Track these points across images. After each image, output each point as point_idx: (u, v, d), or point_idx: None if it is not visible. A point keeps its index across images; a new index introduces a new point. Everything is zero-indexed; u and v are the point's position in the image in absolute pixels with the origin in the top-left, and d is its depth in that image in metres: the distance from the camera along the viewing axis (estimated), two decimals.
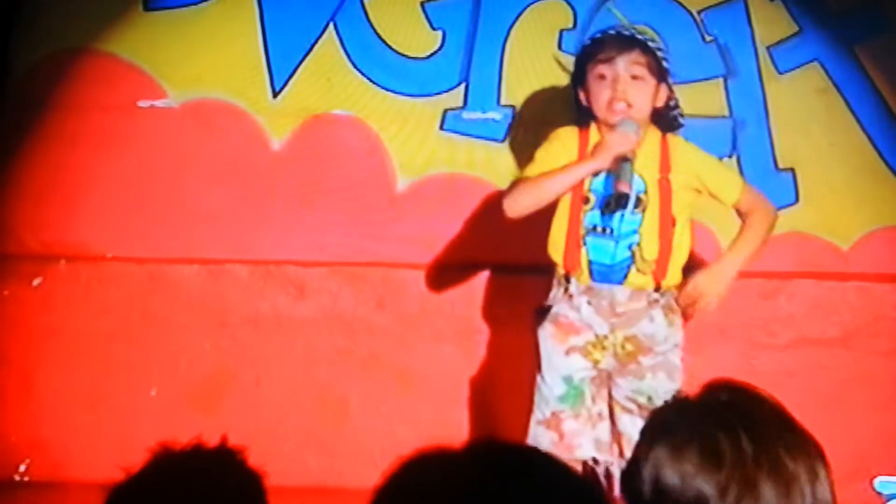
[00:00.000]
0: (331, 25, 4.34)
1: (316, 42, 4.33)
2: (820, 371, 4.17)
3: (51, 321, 4.26)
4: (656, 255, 3.28)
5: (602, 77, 3.29)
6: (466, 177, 4.31)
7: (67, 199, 4.32)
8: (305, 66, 4.33)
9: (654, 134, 3.34)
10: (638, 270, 3.28)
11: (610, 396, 3.29)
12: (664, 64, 3.35)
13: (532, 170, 3.33)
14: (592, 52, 3.33)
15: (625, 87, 3.26)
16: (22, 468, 4.22)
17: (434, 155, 4.31)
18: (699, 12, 4.28)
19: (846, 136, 4.21)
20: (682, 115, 3.41)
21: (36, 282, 4.29)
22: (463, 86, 4.32)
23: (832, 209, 4.23)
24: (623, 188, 3.22)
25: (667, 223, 3.28)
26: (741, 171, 4.24)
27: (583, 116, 3.37)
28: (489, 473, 1.31)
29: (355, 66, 4.34)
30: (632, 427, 3.22)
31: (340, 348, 4.23)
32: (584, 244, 3.29)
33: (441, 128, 4.31)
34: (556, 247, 3.33)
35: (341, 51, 4.34)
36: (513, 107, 4.30)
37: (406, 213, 4.30)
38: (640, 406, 3.25)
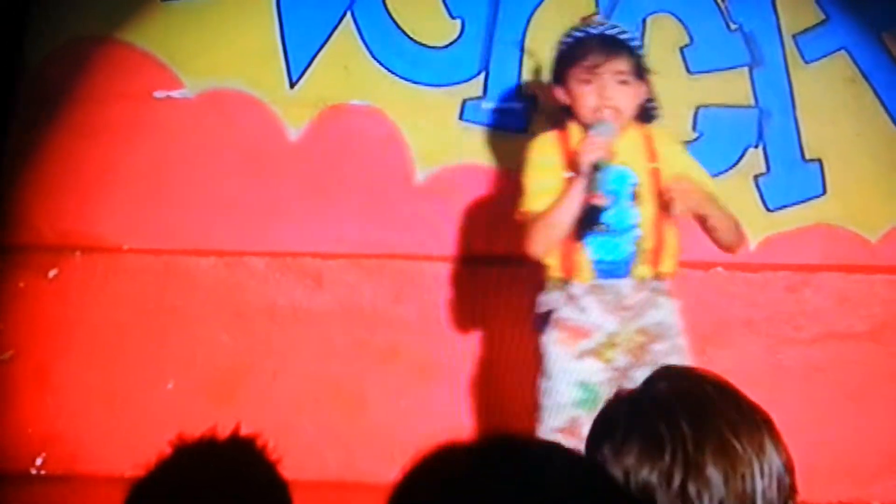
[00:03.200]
0: (348, 14, 4.29)
1: (333, 31, 4.30)
2: (847, 365, 4.11)
3: (66, 313, 4.24)
4: (653, 243, 3.28)
5: (587, 82, 3.26)
6: (486, 167, 4.27)
7: (83, 190, 4.30)
8: (322, 55, 4.30)
9: (635, 128, 3.33)
10: (641, 262, 3.28)
11: None
12: (643, 62, 3.35)
13: (530, 203, 3.30)
14: (576, 55, 3.30)
15: (612, 93, 3.25)
16: (38, 461, 4.20)
17: (453, 145, 4.27)
18: (724, 0, 4.21)
19: (874, 126, 4.15)
20: (656, 108, 3.41)
21: (52, 273, 4.26)
22: (483, 75, 4.27)
23: (860, 200, 4.18)
24: (595, 200, 3.18)
25: (661, 212, 3.27)
26: (767, 162, 4.18)
27: (559, 115, 3.34)
28: (507, 467, 1.29)
29: (373, 56, 4.30)
30: None
31: (358, 341, 4.20)
32: (585, 245, 3.26)
33: (460, 118, 4.27)
34: (551, 252, 3.30)
35: (359, 40, 4.30)
36: (533, 96, 4.24)
37: (425, 204, 4.26)
38: None
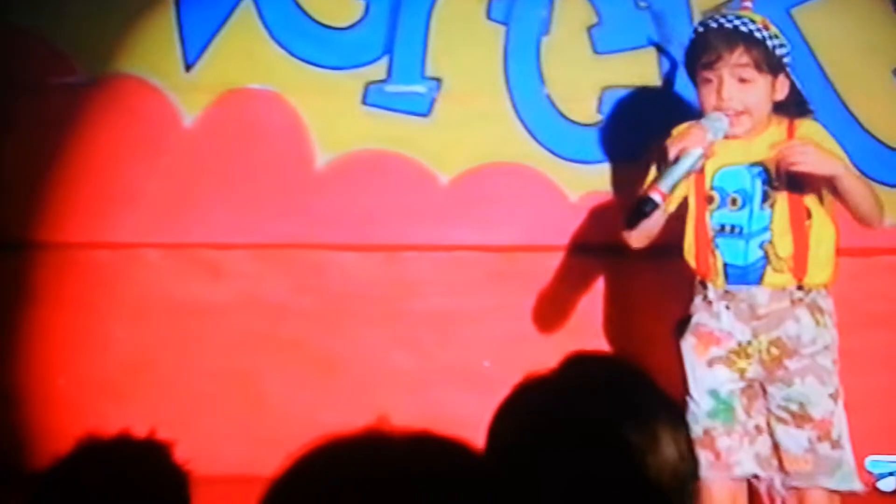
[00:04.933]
0: None
1: (232, 12, 4.16)
2: None
3: None
4: (791, 250, 3.10)
5: (708, 81, 3.11)
6: (390, 153, 4.15)
7: None
8: (221, 37, 4.16)
9: (779, 124, 3.16)
10: (774, 269, 3.10)
11: (767, 408, 3.12)
12: (779, 52, 3.15)
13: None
14: (697, 51, 3.15)
15: (731, 93, 3.08)
16: None
17: (356, 130, 4.16)
18: None
19: None
20: (807, 103, 3.23)
21: None
22: (386, 58, 4.16)
23: None
24: (650, 192, 3.00)
25: (799, 216, 3.10)
26: None
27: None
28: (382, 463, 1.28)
29: (273, 37, 4.17)
30: (787, 438, 3.09)
31: (259, 334, 4.09)
32: (716, 246, 3.12)
33: (363, 102, 4.15)
34: (690, 251, 3.17)
35: (259, 21, 4.17)
36: (438, 79, 4.14)
37: (327, 191, 4.15)
38: (793, 415, 3.09)
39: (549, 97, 4.12)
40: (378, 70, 4.16)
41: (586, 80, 4.08)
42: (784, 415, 3.08)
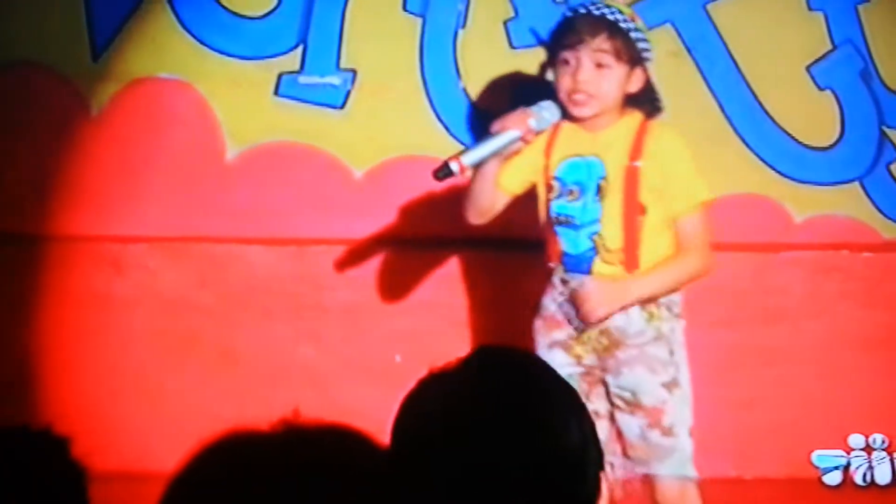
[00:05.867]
0: None
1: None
2: None
3: None
4: (621, 244, 3.09)
5: (566, 63, 3.10)
6: (302, 146, 4.07)
7: None
8: (129, 25, 4.07)
9: (631, 119, 3.14)
10: (604, 261, 3.10)
11: (607, 395, 3.14)
12: (640, 45, 3.14)
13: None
14: (560, 33, 3.14)
15: (587, 76, 3.07)
16: None
17: (267, 122, 4.07)
18: None
19: (694, 100, 4.09)
20: (660, 100, 3.21)
21: None
22: (300, 48, 4.09)
23: None
24: (451, 160, 3.03)
25: (632, 212, 3.09)
26: None
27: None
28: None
29: (183, 26, 4.08)
30: (624, 425, 3.11)
31: (158, 328, 3.99)
32: (556, 234, 3.14)
33: (276, 93, 4.07)
34: (543, 236, 3.19)
35: (168, 9, 4.08)
36: (353, 70, 4.07)
37: (236, 184, 4.06)
38: (626, 402, 3.10)
39: (465, 90, 4.09)
40: (291, 60, 4.08)
41: (502, 73, 4.04)
42: (619, 402, 3.13)
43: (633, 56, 3.12)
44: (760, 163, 4.08)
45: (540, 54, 4.03)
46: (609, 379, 3.13)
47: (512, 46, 4.08)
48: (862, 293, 4.01)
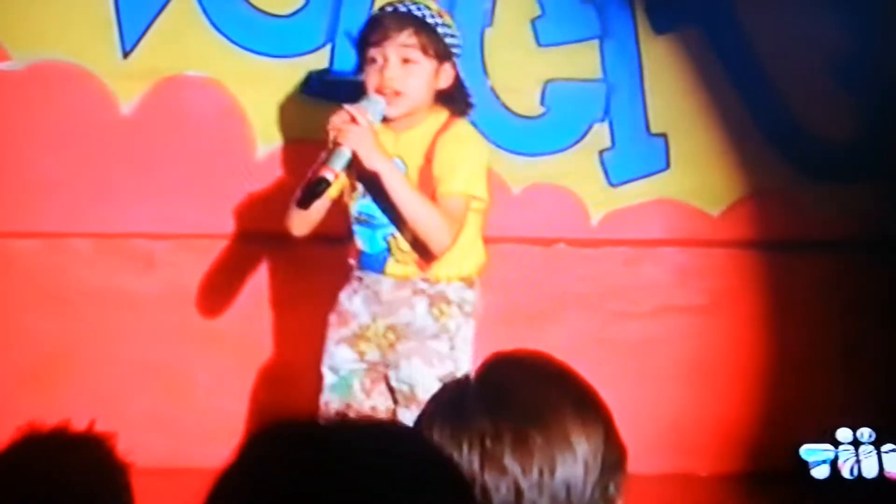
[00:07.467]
0: None
1: None
2: (684, 339, 4.07)
3: None
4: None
5: (373, 61, 3.09)
6: None
7: None
8: (158, 23, 4.09)
9: (437, 117, 3.12)
10: (397, 261, 3.14)
11: (389, 391, 3.18)
12: (448, 41, 3.11)
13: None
14: (368, 31, 3.14)
15: (393, 72, 3.06)
16: None
17: (296, 120, 4.07)
18: None
19: (721, 100, 4.08)
20: (470, 98, 3.18)
21: None
22: (329, 46, 4.10)
23: (703, 175, 4.12)
24: (322, 171, 2.98)
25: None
26: (612, 136, 4.08)
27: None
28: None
29: (212, 24, 4.10)
30: (403, 421, 3.08)
31: (188, 324, 4.01)
32: (355, 232, 3.18)
33: (304, 91, 4.08)
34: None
35: (197, 7, 4.09)
36: None
37: (265, 181, 4.06)
38: (405, 397, 3.14)
39: (493, 89, 4.08)
40: (319, 58, 4.09)
41: (529, 72, 4.05)
42: (399, 397, 3.16)
43: (440, 51, 3.10)
44: None
45: (569, 51, 4.05)
46: (391, 373, 3.17)
47: (539, 45, 4.08)
48: None
